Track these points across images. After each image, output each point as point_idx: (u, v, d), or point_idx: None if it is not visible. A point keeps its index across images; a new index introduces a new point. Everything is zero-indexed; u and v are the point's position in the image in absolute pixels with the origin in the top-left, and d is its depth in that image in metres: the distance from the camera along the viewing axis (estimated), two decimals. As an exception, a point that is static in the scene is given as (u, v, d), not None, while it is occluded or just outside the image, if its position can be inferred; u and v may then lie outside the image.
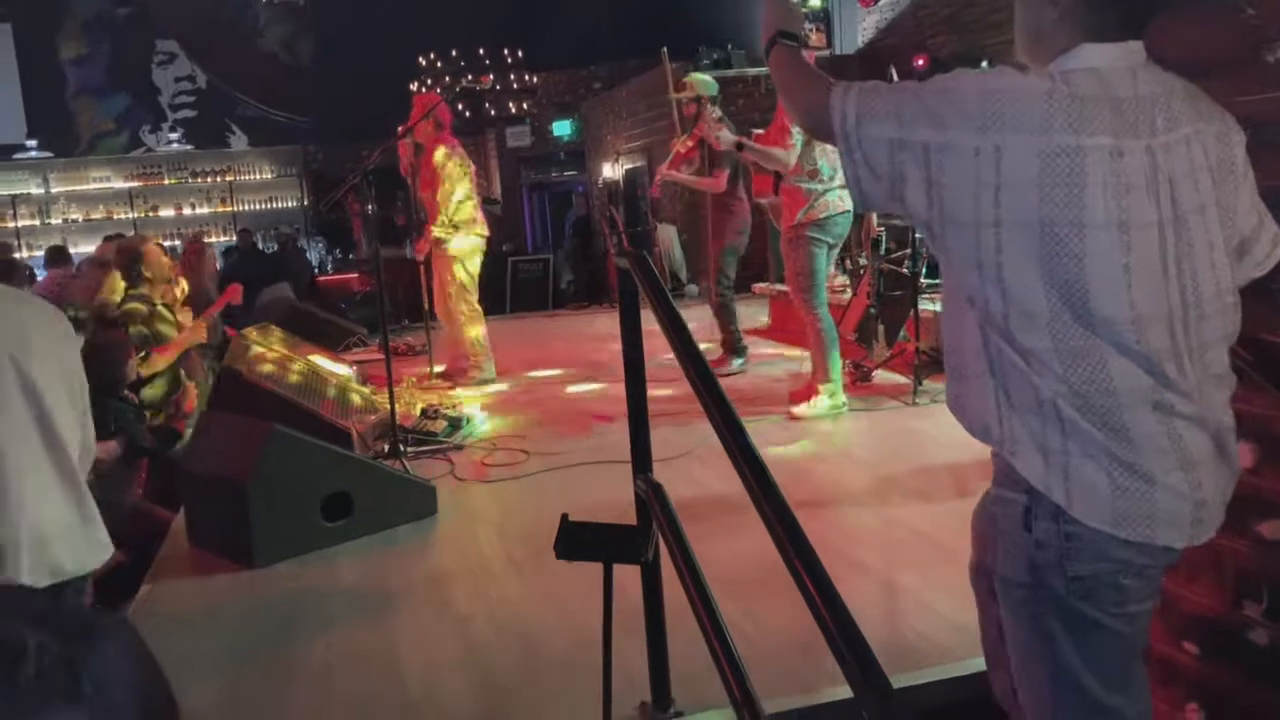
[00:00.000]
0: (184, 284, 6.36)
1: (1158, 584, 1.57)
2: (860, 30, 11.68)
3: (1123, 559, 1.48)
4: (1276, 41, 1.95)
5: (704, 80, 6.58)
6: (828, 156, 5.01)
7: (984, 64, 7.12)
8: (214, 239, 14.85)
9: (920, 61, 9.73)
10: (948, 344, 1.66)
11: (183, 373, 5.45)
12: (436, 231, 6.43)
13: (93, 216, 15.65)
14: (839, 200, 5.08)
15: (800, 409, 5.17)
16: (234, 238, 15.14)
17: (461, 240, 6.50)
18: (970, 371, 1.56)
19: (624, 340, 2.30)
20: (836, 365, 5.22)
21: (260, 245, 14.85)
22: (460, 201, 6.42)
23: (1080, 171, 1.40)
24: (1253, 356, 1.92)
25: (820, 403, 5.16)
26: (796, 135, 4.96)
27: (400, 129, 6.40)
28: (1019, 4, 1.60)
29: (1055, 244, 1.41)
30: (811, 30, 2.83)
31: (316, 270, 14.45)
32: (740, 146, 5.20)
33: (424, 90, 14.97)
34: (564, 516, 1.78)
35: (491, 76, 14.71)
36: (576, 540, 1.80)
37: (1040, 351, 1.45)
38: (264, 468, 3.60)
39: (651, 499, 2.15)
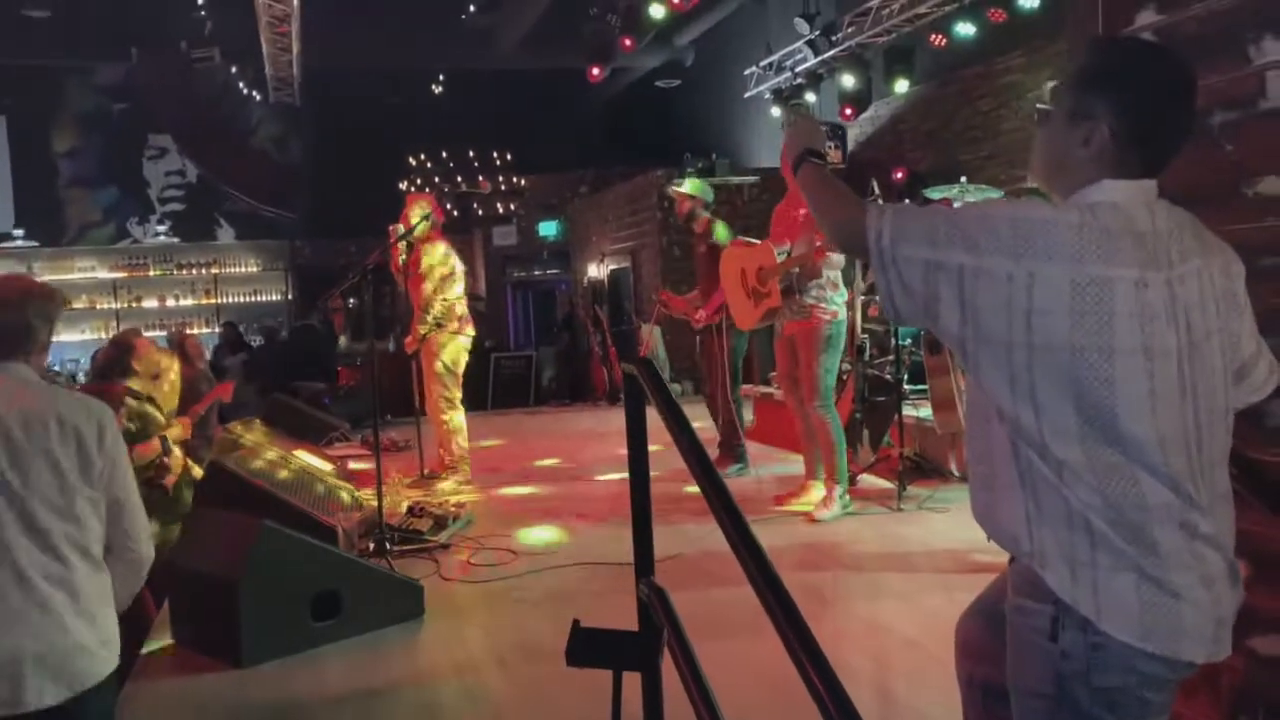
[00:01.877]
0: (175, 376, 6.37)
1: (1173, 699, 1.60)
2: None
3: (1148, 672, 1.51)
4: (1254, 177, 2.08)
5: (700, 185, 6.77)
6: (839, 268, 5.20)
7: (962, 179, 7.34)
8: (196, 330, 14.86)
9: (899, 174, 10.04)
10: (974, 454, 1.70)
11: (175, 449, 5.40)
12: (428, 321, 6.47)
13: (75, 306, 15.65)
14: (842, 307, 5.28)
15: (819, 513, 5.21)
16: (216, 329, 15.16)
17: (451, 338, 6.56)
18: (1000, 482, 1.60)
19: (629, 444, 2.34)
20: (844, 465, 5.34)
21: (245, 338, 14.86)
22: (457, 298, 6.52)
23: (1109, 300, 1.47)
24: (1240, 473, 1.99)
25: (836, 505, 5.23)
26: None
27: (395, 228, 6.50)
28: (1045, 135, 1.69)
29: (1085, 368, 1.48)
30: (831, 147, 2.96)
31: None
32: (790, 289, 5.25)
33: (414, 189, 15.25)
34: (575, 622, 1.79)
35: (489, 182, 15.02)
36: (587, 646, 1.81)
37: (1073, 464, 1.50)
38: (255, 565, 3.58)
39: (655, 604, 2.16)
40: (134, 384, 5.37)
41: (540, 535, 5.33)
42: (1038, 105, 3.03)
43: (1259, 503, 2.03)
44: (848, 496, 5.33)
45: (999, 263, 1.50)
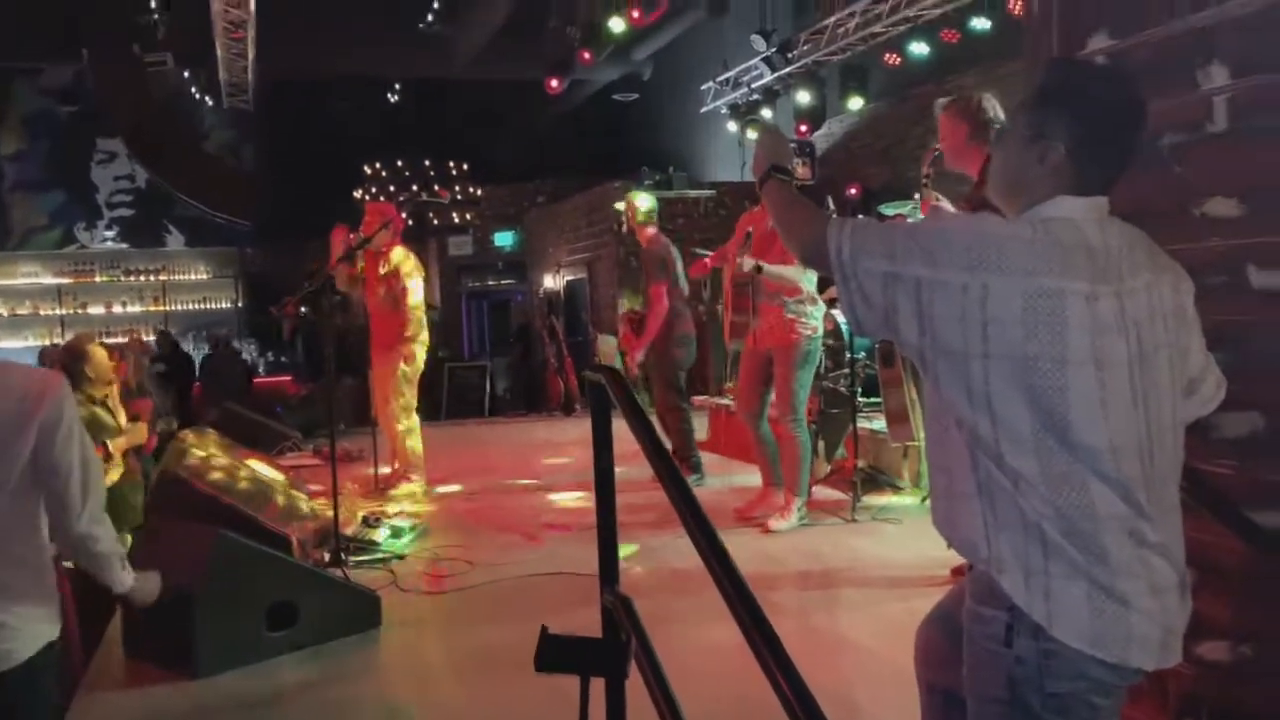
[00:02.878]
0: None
1: (1121, 703, 1.64)
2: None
3: (1097, 678, 1.55)
4: (1202, 197, 2.16)
5: (644, 198, 6.83)
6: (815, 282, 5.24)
7: (916, 195, 7.45)
8: (145, 337, 14.62)
9: (854, 191, 10.18)
10: (935, 463, 1.74)
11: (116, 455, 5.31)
12: (411, 331, 6.45)
13: (19, 312, 15.36)
14: (820, 322, 5.31)
15: (775, 523, 5.24)
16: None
17: (416, 346, 6.55)
18: (958, 490, 1.65)
19: (595, 453, 2.35)
20: (806, 480, 5.37)
21: (186, 347, 14.65)
22: (417, 304, 6.51)
23: (1061, 312, 1.52)
24: (1188, 484, 2.06)
25: (793, 517, 5.26)
26: None
27: (353, 236, 6.46)
28: (1000, 153, 1.75)
29: (1039, 377, 1.53)
30: (798, 164, 3.01)
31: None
32: (759, 269, 5.21)
33: (369, 198, 15.14)
34: (543, 628, 1.81)
35: (447, 191, 14.95)
36: (555, 653, 1.82)
37: (1028, 474, 1.54)
38: (211, 575, 3.54)
39: (621, 612, 2.18)
40: (90, 391, 5.29)
41: (497, 545, 5.31)
42: (994, 125, 3.10)
43: (1205, 513, 2.09)
44: (805, 509, 5.35)
45: (954, 275, 1.55)
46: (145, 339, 12.94)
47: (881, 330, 1.67)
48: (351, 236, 6.47)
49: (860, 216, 1.53)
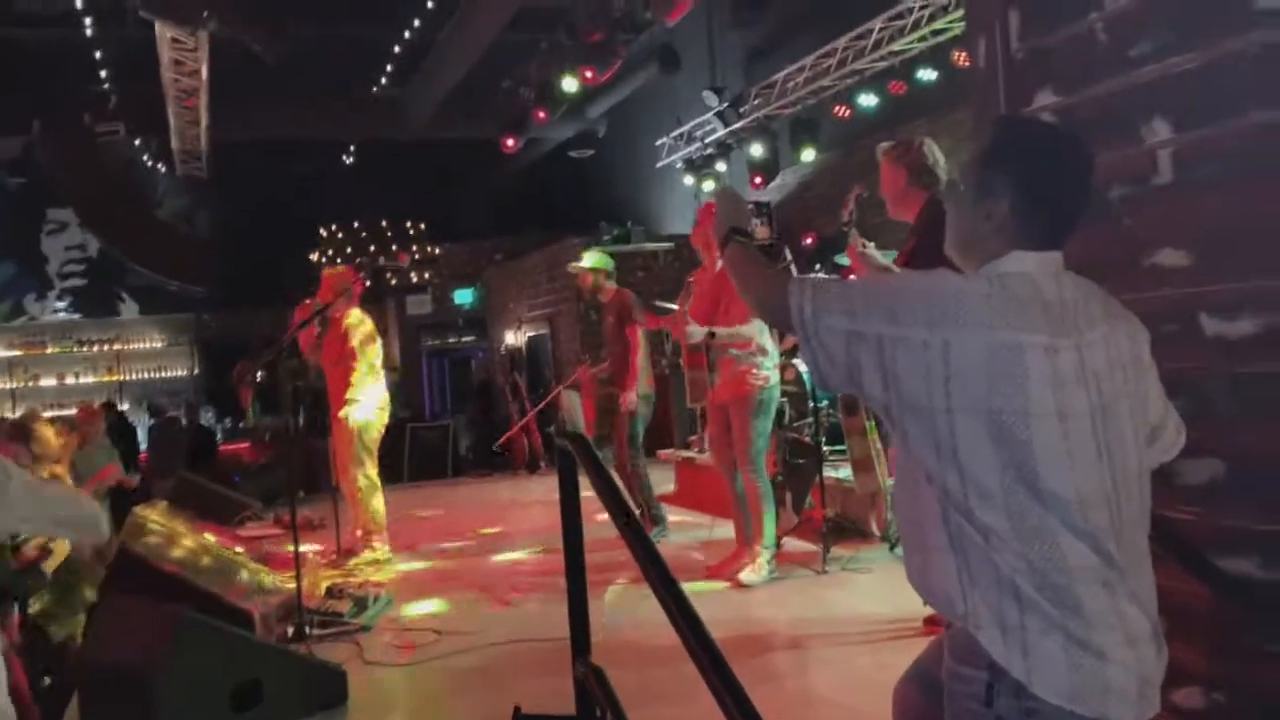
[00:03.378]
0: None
1: None
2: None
3: None
4: (1152, 248, 2.19)
5: (599, 257, 6.81)
6: (769, 334, 5.24)
7: (872, 244, 7.55)
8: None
9: (809, 240, 10.28)
10: (905, 517, 1.74)
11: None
12: (352, 393, 6.38)
13: (-32, 386, 15.03)
14: (773, 371, 5.31)
15: (746, 576, 5.19)
16: (122, 408, 14.63)
17: (364, 411, 6.46)
18: (931, 544, 1.64)
19: (564, 521, 2.33)
20: (773, 529, 5.32)
21: (140, 417, 14.41)
22: (370, 368, 6.44)
23: (1022, 366, 1.53)
24: (1155, 532, 2.07)
25: (763, 568, 5.21)
26: None
27: (311, 303, 6.42)
28: (952, 210, 1.77)
29: (1004, 430, 1.53)
30: (757, 224, 3.06)
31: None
32: (712, 335, 5.21)
33: (326, 262, 15.08)
34: (516, 710, 1.76)
35: (406, 255, 14.91)
36: (528, 733, 1.78)
37: (999, 529, 1.54)
38: (175, 657, 3.44)
39: (593, 684, 2.15)
40: (38, 470, 5.17)
41: (465, 612, 5.22)
42: (934, 170, 3.14)
43: (1173, 561, 2.10)
44: (774, 560, 5.31)
45: (915, 332, 1.56)
46: (94, 406, 12.64)
47: (846, 387, 1.68)
48: (309, 303, 6.43)
49: (821, 275, 1.54)
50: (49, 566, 4.93)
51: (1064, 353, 1.56)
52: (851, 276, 4.39)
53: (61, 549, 5.04)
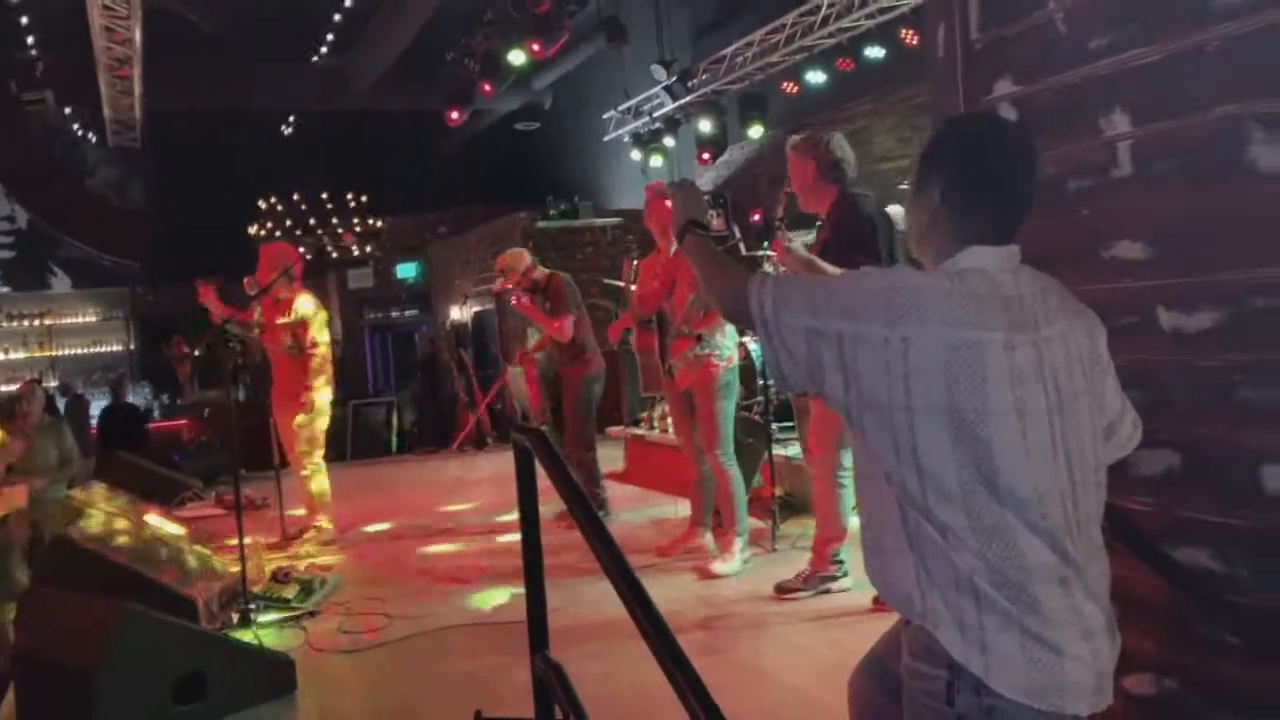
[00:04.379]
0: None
1: None
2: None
3: None
4: (1110, 240, 2.20)
5: (508, 260, 6.60)
6: None
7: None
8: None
9: (756, 217, 10.29)
10: (865, 517, 1.74)
11: None
12: (312, 380, 6.27)
13: (-108, 361, 14.53)
14: (734, 350, 5.16)
15: (719, 566, 5.06)
16: (53, 384, 14.24)
17: (320, 395, 6.36)
18: (889, 545, 1.65)
19: (521, 514, 2.30)
20: (745, 517, 5.21)
21: (82, 392, 14.04)
22: (324, 355, 6.34)
23: (981, 363, 1.53)
24: (1110, 525, 2.09)
25: (735, 559, 5.09)
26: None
27: (249, 280, 6.27)
28: (908, 206, 1.79)
29: (963, 428, 1.53)
30: (713, 216, 3.05)
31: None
32: (699, 338, 5.04)
33: (264, 233, 14.77)
34: (477, 714, 1.73)
35: (351, 234, 14.65)
36: (490, 737, 1.75)
37: (957, 528, 1.55)
38: (115, 653, 3.35)
39: (552, 680, 2.12)
40: None
41: (414, 594, 5.17)
42: (842, 165, 3.15)
43: (1127, 551, 2.13)
44: (748, 550, 5.21)
45: (875, 329, 1.56)
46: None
47: (807, 384, 1.66)
48: (248, 280, 6.27)
49: (782, 272, 1.53)
50: None
51: (1022, 349, 1.57)
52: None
53: None
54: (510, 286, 6.44)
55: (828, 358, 1.60)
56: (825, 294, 1.63)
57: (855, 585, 4.47)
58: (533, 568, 2.28)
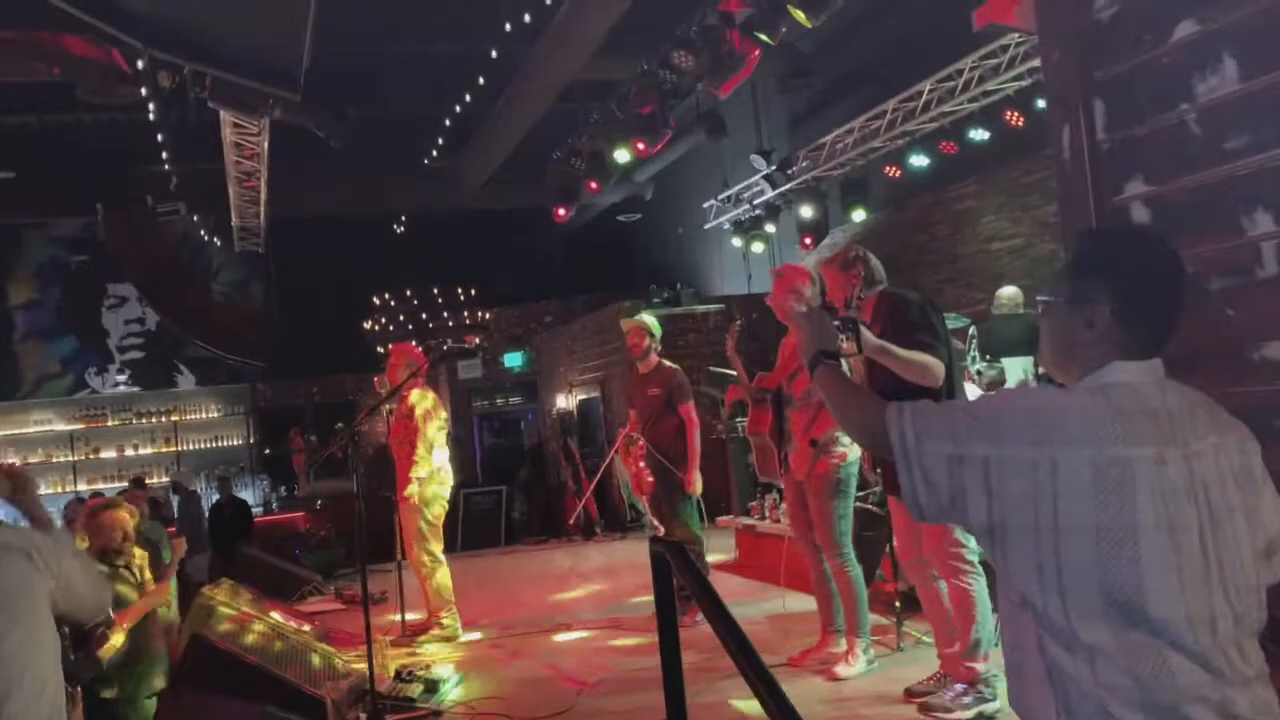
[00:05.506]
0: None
1: None
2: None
3: None
4: (1259, 341, 2.14)
5: (648, 321, 6.63)
6: None
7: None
8: (155, 479, 14.55)
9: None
10: (1008, 641, 1.69)
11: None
12: (418, 471, 6.40)
13: (30, 460, 15.30)
14: (854, 444, 4.91)
15: (843, 669, 4.87)
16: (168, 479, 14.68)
17: (435, 493, 6.50)
18: (1030, 671, 1.60)
19: (660, 629, 2.30)
20: (867, 618, 4.99)
21: (199, 487, 14.52)
22: (431, 445, 6.48)
23: (1131, 480, 1.50)
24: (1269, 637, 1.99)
25: (859, 661, 4.91)
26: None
27: (380, 379, 6.52)
28: (1047, 321, 1.75)
29: (1111, 547, 1.49)
30: (843, 340, 3.12)
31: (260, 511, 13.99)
32: (814, 444, 4.93)
33: (377, 328, 15.29)
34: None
35: (473, 338, 15.09)
36: None
37: (1104, 646, 1.50)
38: (255, 757, 3.42)
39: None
40: (125, 550, 5.13)
41: (537, 694, 5.16)
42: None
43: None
44: (872, 650, 5.00)
45: (1022, 451, 1.54)
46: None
47: (946, 515, 1.65)
48: (377, 380, 6.51)
49: (921, 400, 1.53)
50: (105, 653, 4.92)
51: (1173, 464, 1.53)
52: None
53: (118, 637, 5.03)
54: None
55: (971, 484, 1.58)
56: (967, 419, 1.62)
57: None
58: (672, 687, 2.27)
